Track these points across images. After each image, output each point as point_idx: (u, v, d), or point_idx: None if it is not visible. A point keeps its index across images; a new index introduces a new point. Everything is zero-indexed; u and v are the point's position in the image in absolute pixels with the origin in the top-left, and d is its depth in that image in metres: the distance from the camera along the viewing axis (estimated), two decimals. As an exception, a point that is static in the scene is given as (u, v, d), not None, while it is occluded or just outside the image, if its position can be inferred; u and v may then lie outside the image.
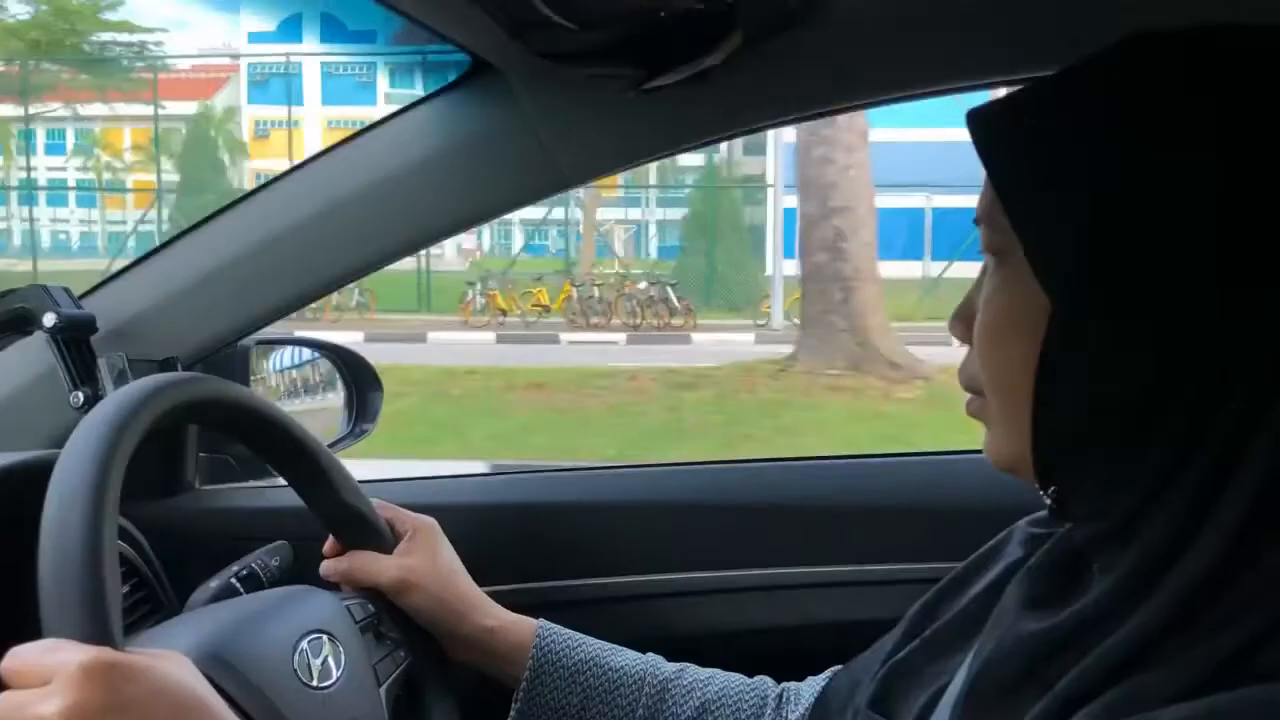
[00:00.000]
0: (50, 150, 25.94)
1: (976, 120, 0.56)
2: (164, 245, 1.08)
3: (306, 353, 1.36)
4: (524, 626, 0.91)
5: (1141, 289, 0.50)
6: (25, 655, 0.56)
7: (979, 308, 0.59)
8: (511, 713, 0.89)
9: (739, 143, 18.57)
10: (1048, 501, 0.58)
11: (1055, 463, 0.55)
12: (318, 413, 1.33)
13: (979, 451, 1.13)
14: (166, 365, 1.01)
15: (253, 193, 1.06)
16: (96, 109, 21.40)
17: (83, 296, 1.03)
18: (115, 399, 0.65)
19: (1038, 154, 0.54)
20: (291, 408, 1.34)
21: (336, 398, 1.32)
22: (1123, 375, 0.51)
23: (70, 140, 25.61)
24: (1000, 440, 0.59)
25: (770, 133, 13.82)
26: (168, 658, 0.59)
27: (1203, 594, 0.49)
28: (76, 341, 0.97)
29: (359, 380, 1.32)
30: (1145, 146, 0.51)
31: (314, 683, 0.74)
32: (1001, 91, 0.61)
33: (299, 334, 1.44)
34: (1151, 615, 0.50)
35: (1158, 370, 0.50)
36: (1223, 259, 0.49)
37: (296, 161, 1.09)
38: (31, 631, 0.57)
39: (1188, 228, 0.50)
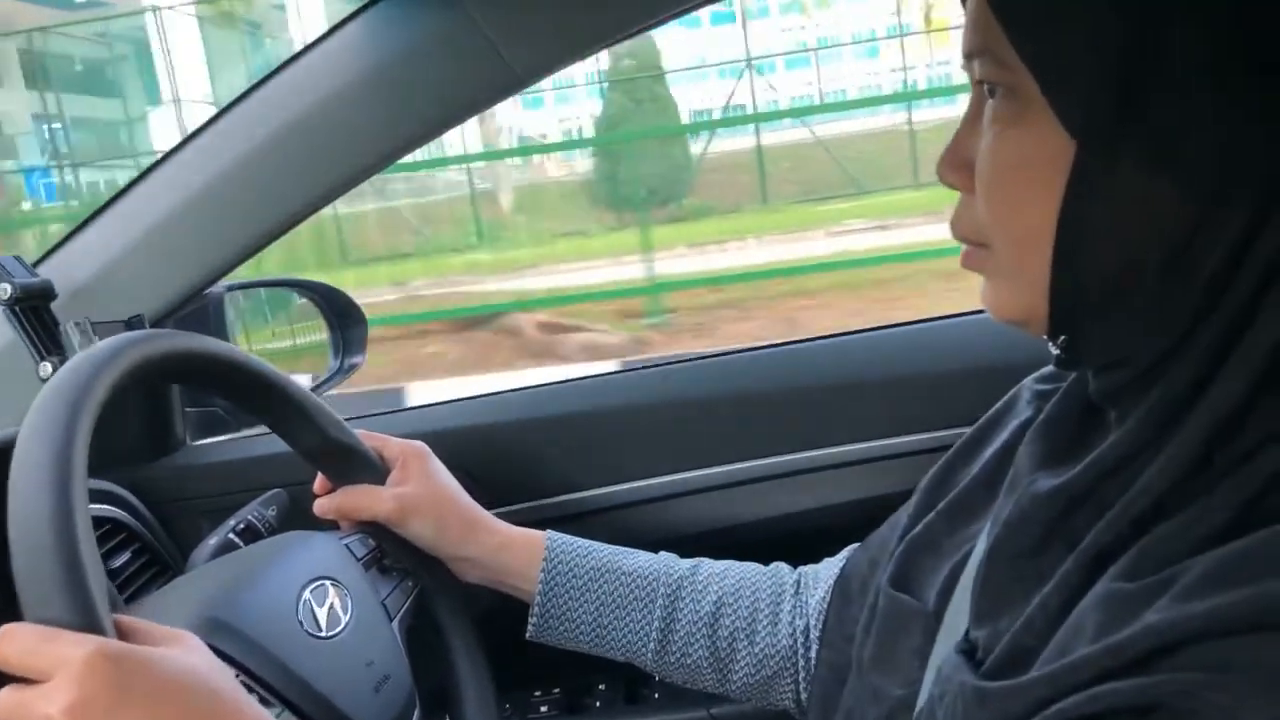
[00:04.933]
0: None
1: None
2: (114, 199, 1.03)
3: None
4: (533, 540, 0.89)
5: (1182, 119, 0.45)
6: (23, 641, 0.53)
7: (978, 151, 0.53)
8: (529, 627, 0.88)
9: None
10: (1055, 352, 0.54)
11: (1075, 313, 0.51)
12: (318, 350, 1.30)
13: (973, 312, 1.13)
14: (133, 324, 0.97)
15: (197, 133, 1.01)
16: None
17: (36, 263, 0.99)
18: (68, 370, 0.62)
19: None
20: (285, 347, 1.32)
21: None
22: (1158, 217, 0.47)
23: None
24: (1008, 293, 0.54)
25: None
26: (177, 642, 0.57)
27: (1228, 429, 0.46)
28: (36, 310, 0.94)
29: (340, 315, 1.29)
30: None
31: (322, 632, 0.72)
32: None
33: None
34: (1175, 455, 0.47)
35: (1197, 208, 0.46)
36: (1268, 78, 0.44)
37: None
38: (18, 611, 0.55)
39: (1230, 43, 0.44)
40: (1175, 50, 0.44)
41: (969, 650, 0.56)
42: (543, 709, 1.12)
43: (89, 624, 0.53)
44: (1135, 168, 0.46)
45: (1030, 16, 0.47)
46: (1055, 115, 0.47)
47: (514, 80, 0.94)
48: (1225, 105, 0.44)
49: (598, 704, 1.13)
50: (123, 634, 0.55)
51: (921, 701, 0.61)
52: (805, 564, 0.89)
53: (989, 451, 0.70)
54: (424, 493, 0.88)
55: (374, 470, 0.88)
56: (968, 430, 0.74)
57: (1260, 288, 0.46)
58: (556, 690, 1.14)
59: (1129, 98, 0.45)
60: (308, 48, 0.98)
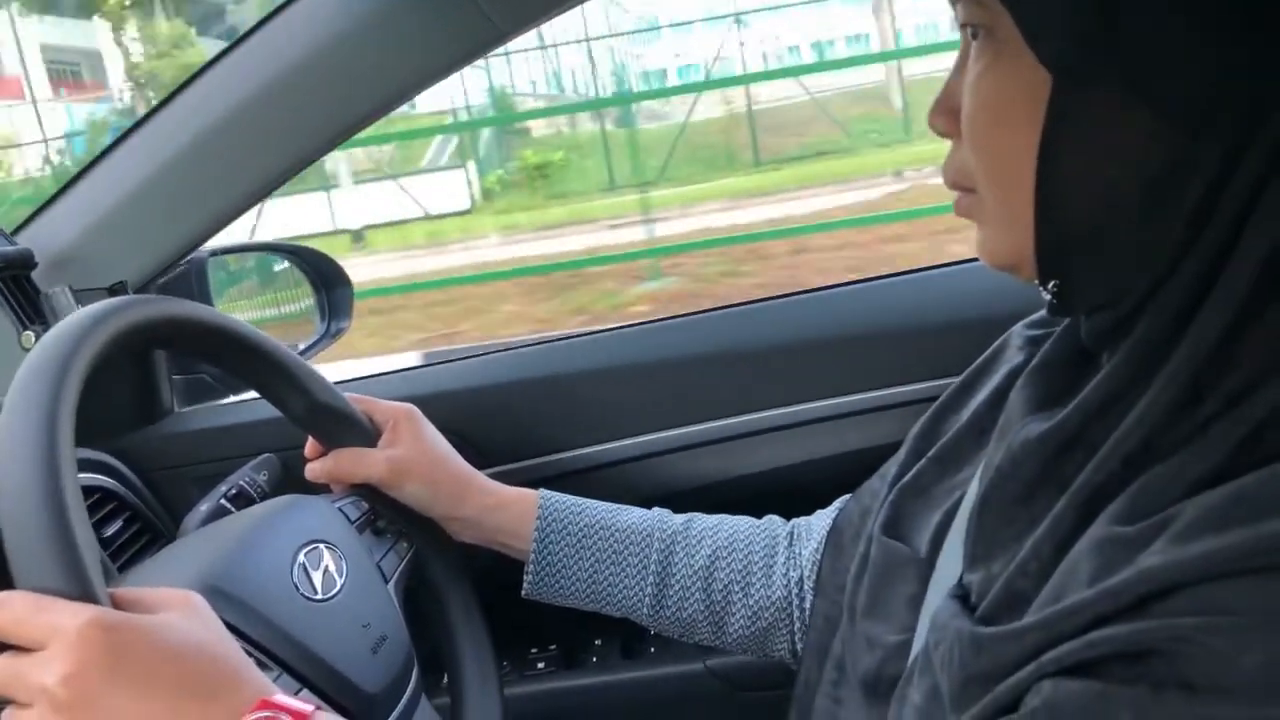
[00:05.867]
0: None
1: None
2: (92, 164, 1.01)
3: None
4: (526, 499, 0.89)
5: (1152, 49, 0.45)
6: (18, 609, 0.52)
7: (964, 94, 0.53)
8: (524, 585, 0.88)
9: None
10: (1048, 297, 0.54)
11: (1061, 254, 0.51)
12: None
13: (964, 261, 1.13)
14: (115, 291, 0.96)
15: (176, 93, 0.99)
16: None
17: (15, 232, 0.98)
18: (51, 338, 0.61)
19: None
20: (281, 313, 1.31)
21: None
22: (1134, 150, 0.46)
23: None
24: (998, 237, 0.54)
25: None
26: (177, 605, 0.57)
27: (1214, 361, 0.46)
28: (16, 279, 0.93)
29: (326, 279, 1.28)
30: None
31: (318, 595, 0.72)
32: None
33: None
34: (1162, 393, 0.47)
35: (1173, 141, 0.46)
36: (1242, 9, 0.44)
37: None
38: (10, 585, 0.55)
39: None
40: None
41: (962, 596, 0.56)
42: (540, 665, 1.13)
43: (83, 593, 0.53)
44: (1109, 99, 0.46)
45: None
46: (1029, 48, 0.47)
47: (495, 34, 0.92)
48: (1200, 35, 0.44)
49: (594, 659, 1.13)
50: (119, 606, 0.55)
51: (916, 648, 0.61)
52: (799, 516, 0.90)
53: (979, 398, 0.69)
54: (415, 454, 0.87)
55: (364, 433, 0.88)
56: (956, 380, 0.74)
57: (1239, 221, 0.45)
58: (553, 647, 1.15)
59: (1102, 27, 0.45)
60: (285, 4, 0.96)
